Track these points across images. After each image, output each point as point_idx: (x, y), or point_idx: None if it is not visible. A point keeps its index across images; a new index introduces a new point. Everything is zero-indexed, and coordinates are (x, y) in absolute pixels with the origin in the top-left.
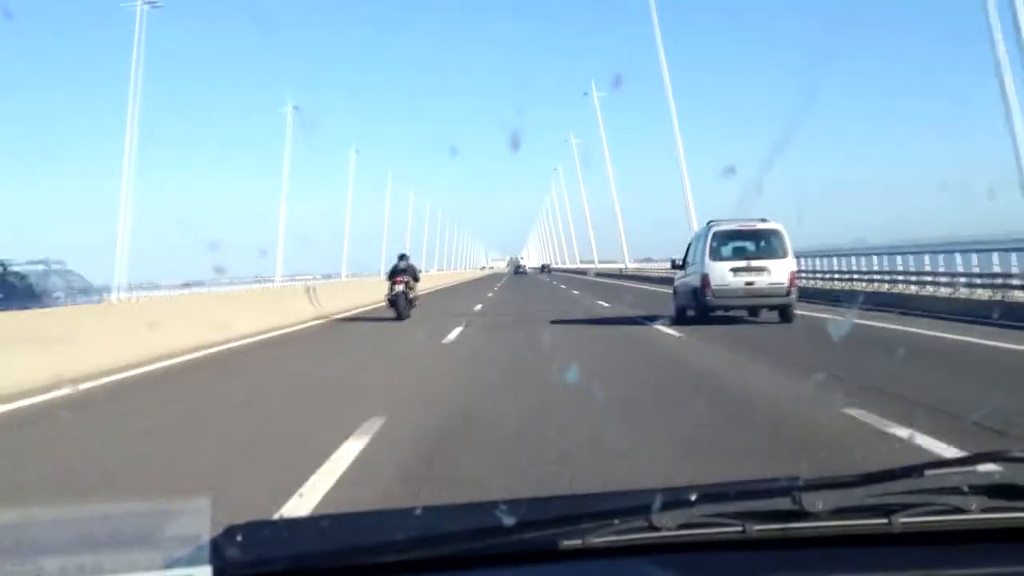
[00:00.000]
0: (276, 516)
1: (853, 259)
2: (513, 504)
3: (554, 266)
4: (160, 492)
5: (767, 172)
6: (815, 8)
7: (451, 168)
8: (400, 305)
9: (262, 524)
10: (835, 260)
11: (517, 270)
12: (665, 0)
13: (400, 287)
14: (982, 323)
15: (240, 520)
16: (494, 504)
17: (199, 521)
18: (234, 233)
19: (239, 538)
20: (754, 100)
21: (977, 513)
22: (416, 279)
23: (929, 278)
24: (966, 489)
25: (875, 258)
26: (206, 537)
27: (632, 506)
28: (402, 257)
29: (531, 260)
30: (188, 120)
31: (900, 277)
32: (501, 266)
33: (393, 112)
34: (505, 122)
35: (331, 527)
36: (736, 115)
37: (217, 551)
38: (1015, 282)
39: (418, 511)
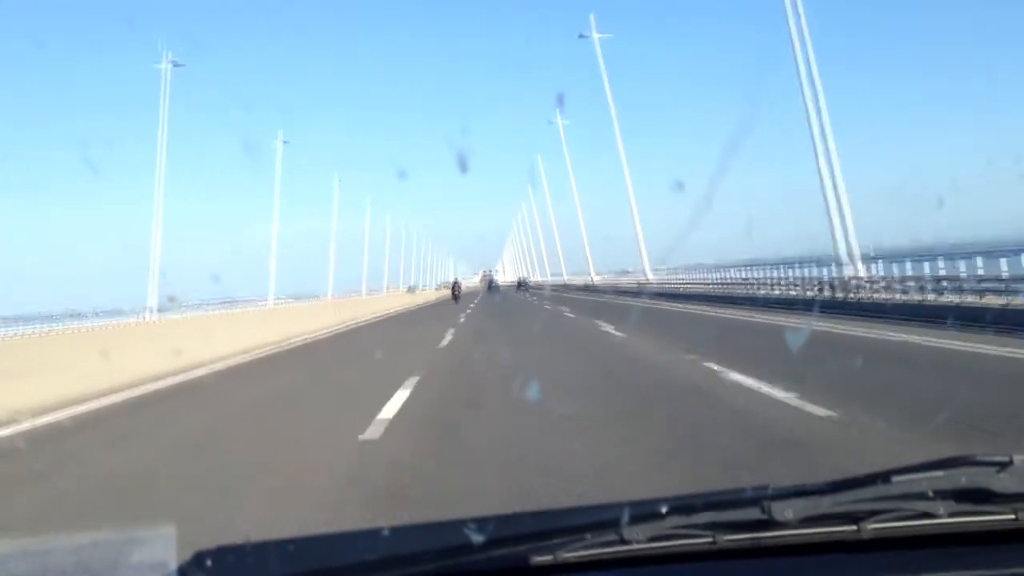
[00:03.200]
0: (244, 540)
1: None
2: (482, 522)
3: (530, 280)
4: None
5: (717, 185)
6: (759, 16)
7: (423, 186)
8: (457, 296)
9: (229, 549)
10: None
11: (490, 286)
12: (616, 13)
13: (456, 291)
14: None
15: (208, 545)
16: (463, 522)
17: (166, 548)
18: (181, 257)
19: (208, 563)
20: (704, 113)
21: (944, 518)
22: (459, 286)
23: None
24: (933, 494)
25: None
26: (173, 565)
27: (602, 520)
28: (456, 279)
29: (506, 275)
30: (144, 149)
31: None
32: (475, 282)
33: (362, 132)
34: (474, 140)
35: (298, 550)
36: (686, 129)
37: None
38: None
39: (385, 531)
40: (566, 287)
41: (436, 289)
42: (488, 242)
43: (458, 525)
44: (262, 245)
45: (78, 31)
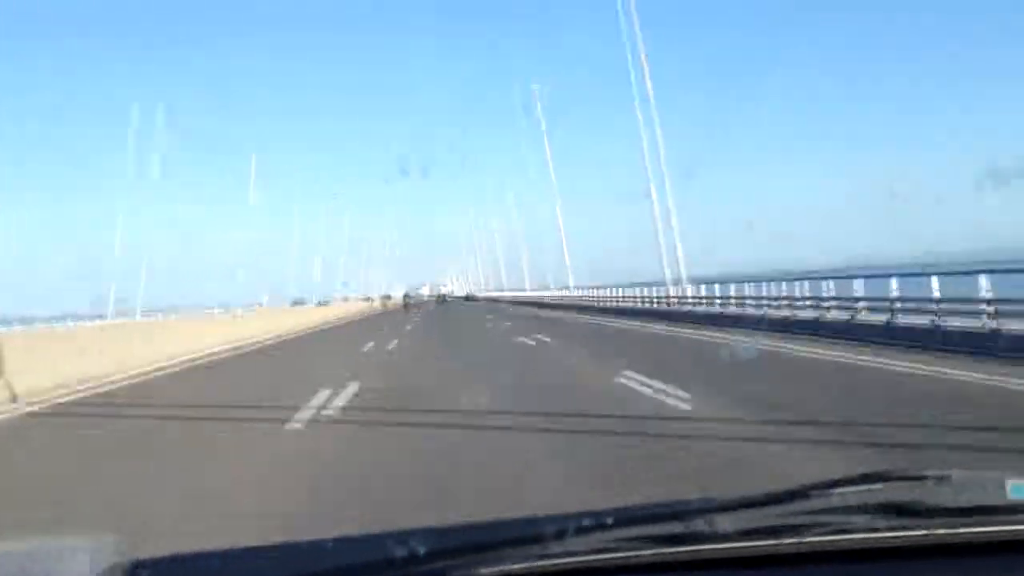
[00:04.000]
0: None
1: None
2: (402, 536)
3: (479, 294)
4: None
5: (679, 196)
6: (733, 29)
7: (370, 194)
8: (409, 308)
9: (165, 560)
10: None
11: (440, 299)
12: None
13: (409, 301)
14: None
15: (144, 555)
16: (384, 536)
17: (102, 558)
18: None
19: (143, 575)
20: (669, 122)
21: (881, 531)
22: (411, 297)
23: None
24: (870, 507)
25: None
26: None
27: (538, 533)
28: (407, 292)
29: (456, 289)
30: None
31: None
32: (423, 295)
33: (325, 137)
34: (435, 152)
35: (223, 565)
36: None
37: None
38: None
39: (305, 545)
40: (514, 301)
41: (365, 301)
42: (439, 256)
43: (378, 539)
44: (233, 250)
45: None
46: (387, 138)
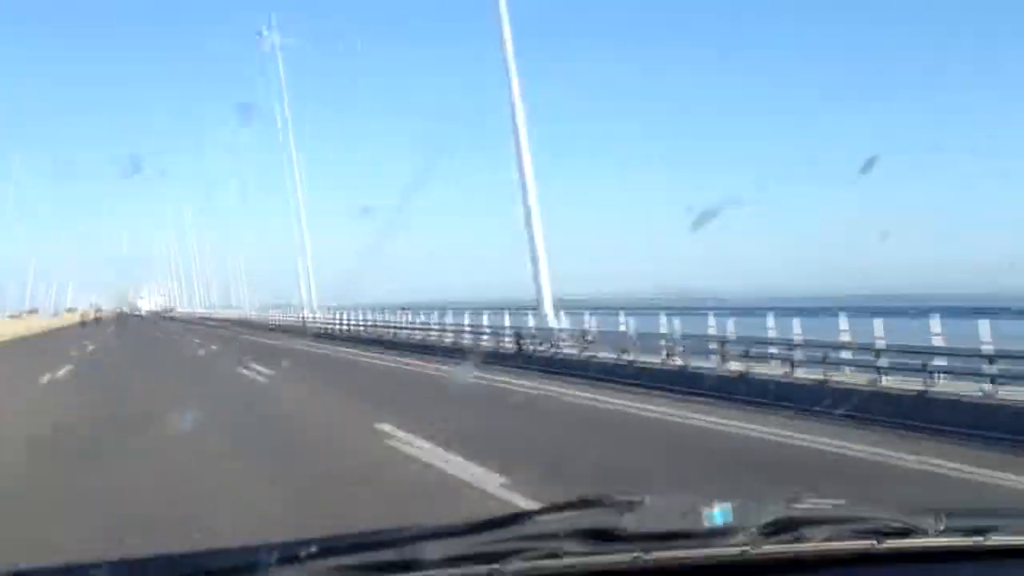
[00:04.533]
0: None
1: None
2: (109, 568)
3: (176, 310)
4: None
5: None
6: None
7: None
8: (88, 323)
9: None
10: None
11: (131, 314)
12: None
13: (91, 317)
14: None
15: None
16: (82, 567)
17: None
18: None
19: None
20: (393, 138)
21: (579, 556)
22: (102, 310)
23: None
24: (575, 533)
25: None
26: None
27: (236, 564)
28: (97, 306)
29: (153, 304)
30: None
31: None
32: (117, 310)
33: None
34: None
35: None
36: (375, 153)
37: None
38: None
39: None
40: (225, 319)
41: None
42: (146, 269)
43: (79, 570)
44: None
45: None
46: (108, 132)
